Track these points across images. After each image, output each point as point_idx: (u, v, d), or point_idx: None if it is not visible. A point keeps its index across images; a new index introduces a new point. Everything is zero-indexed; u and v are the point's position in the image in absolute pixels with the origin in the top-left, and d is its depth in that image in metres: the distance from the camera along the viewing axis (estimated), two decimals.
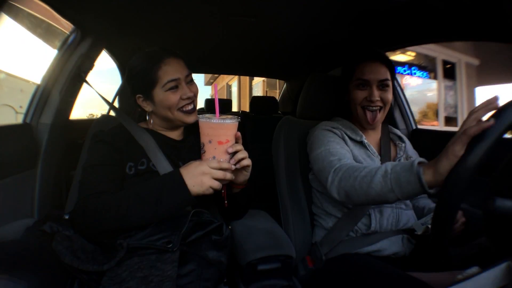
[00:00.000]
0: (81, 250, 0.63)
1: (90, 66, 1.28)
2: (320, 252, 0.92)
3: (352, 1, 0.94)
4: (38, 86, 1.18)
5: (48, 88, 1.17)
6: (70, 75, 1.18)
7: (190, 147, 0.88)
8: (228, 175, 0.68)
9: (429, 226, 0.84)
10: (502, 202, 0.45)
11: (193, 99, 0.86)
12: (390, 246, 0.89)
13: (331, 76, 1.17)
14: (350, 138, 0.98)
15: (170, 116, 0.84)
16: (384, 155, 0.99)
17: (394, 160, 1.00)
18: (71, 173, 1.16)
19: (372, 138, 1.03)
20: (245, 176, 0.76)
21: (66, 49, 1.18)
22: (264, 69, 2.23)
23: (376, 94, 0.95)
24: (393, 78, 1.00)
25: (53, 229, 0.68)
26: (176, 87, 0.82)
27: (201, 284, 0.62)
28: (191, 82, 0.87)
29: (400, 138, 1.06)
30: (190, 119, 0.85)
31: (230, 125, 0.67)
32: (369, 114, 0.97)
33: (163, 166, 0.78)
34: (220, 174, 0.66)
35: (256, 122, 2.32)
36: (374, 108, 0.96)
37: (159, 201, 0.66)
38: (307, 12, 1.04)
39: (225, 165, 0.67)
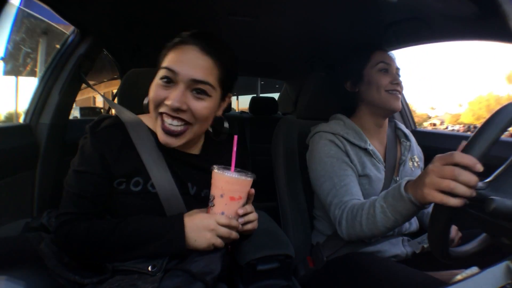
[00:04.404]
0: (68, 257, 0.62)
1: (89, 67, 1.28)
2: (322, 254, 0.92)
3: (351, 1, 0.94)
4: (38, 87, 1.18)
5: (48, 88, 1.17)
6: (69, 76, 1.18)
7: (205, 165, 0.70)
8: (234, 234, 0.63)
9: (425, 246, 0.89)
10: (501, 202, 0.45)
11: (179, 115, 0.64)
12: (390, 248, 0.89)
13: (331, 76, 1.17)
14: (353, 144, 0.92)
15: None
16: (389, 160, 0.95)
17: (399, 162, 0.97)
18: None
19: (376, 140, 0.98)
20: (249, 233, 0.70)
21: (66, 49, 1.18)
22: (264, 69, 2.23)
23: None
24: None
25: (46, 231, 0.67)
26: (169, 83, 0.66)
27: None
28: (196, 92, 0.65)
29: (406, 136, 1.02)
30: (171, 141, 0.65)
31: (246, 181, 0.63)
32: (395, 100, 0.91)
33: (166, 188, 0.66)
34: (226, 232, 0.61)
35: (256, 123, 2.32)
36: (399, 94, 0.92)
37: (148, 245, 0.60)
38: (307, 12, 1.04)
39: (234, 223, 0.62)
